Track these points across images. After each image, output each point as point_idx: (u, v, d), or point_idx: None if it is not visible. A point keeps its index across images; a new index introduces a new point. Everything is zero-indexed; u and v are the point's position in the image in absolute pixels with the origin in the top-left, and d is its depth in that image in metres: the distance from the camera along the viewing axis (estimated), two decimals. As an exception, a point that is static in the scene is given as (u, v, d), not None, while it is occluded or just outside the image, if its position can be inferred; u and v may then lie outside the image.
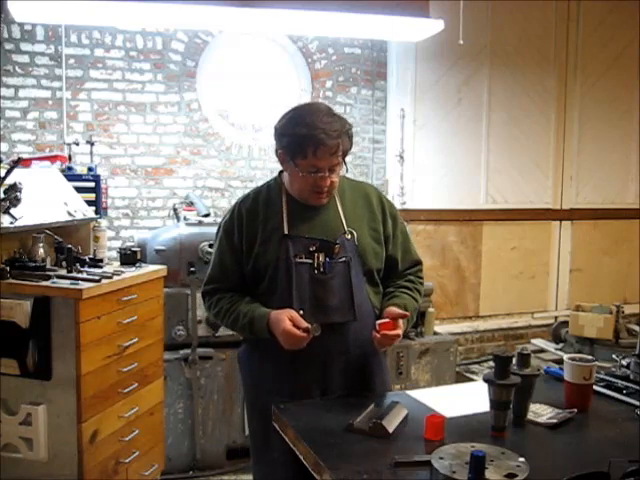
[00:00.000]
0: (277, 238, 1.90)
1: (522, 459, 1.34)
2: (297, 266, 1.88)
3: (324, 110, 1.88)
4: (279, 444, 1.75)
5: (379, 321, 1.83)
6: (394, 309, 1.88)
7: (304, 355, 1.85)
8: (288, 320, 1.78)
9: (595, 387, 1.84)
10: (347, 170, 1.98)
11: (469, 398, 1.81)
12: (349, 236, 1.92)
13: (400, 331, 1.83)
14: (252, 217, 1.96)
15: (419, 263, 2.10)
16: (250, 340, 2.02)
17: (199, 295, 3.25)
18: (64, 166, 3.28)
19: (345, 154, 1.89)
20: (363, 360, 1.95)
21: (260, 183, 3.84)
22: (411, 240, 2.11)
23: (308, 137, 1.81)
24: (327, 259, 1.89)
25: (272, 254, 1.90)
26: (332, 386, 1.91)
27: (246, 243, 1.94)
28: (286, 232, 1.90)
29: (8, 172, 2.57)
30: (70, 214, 2.84)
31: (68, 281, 2.51)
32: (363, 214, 1.99)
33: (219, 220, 3.46)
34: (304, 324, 1.78)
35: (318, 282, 1.88)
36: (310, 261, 1.89)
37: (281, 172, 2.02)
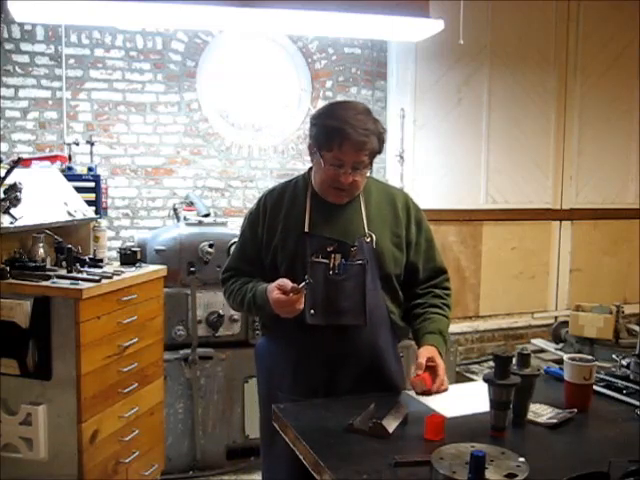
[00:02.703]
0: (296, 235, 1.90)
1: (522, 459, 1.34)
2: (313, 265, 1.87)
3: (360, 109, 1.87)
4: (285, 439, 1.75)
5: (419, 373, 1.75)
6: (437, 363, 1.79)
7: (313, 355, 1.87)
8: (276, 289, 1.78)
9: (595, 387, 1.84)
10: (371, 172, 1.96)
11: (469, 398, 1.81)
12: (368, 239, 1.90)
13: (441, 378, 1.76)
14: (275, 211, 1.96)
15: (443, 272, 2.04)
16: (268, 333, 2.03)
17: (199, 295, 3.29)
18: (64, 166, 3.28)
19: (373, 156, 1.87)
20: (375, 365, 1.93)
21: (260, 183, 3.87)
22: (437, 248, 2.05)
23: (336, 129, 1.80)
24: (343, 260, 1.87)
25: (289, 250, 1.90)
26: (338, 389, 1.89)
27: (266, 236, 1.95)
28: (306, 230, 1.89)
29: (8, 172, 2.57)
30: (70, 214, 2.84)
31: (68, 281, 2.51)
32: (386, 218, 1.96)
33: (219, 220, 3.51)
34: (289, 286, 1.76)
35: (332, 283, 1.87)
36: (326, 261, 1.88)
37: (310, 169, 2.01)
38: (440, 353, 1.84)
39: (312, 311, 1.85)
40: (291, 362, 1.92)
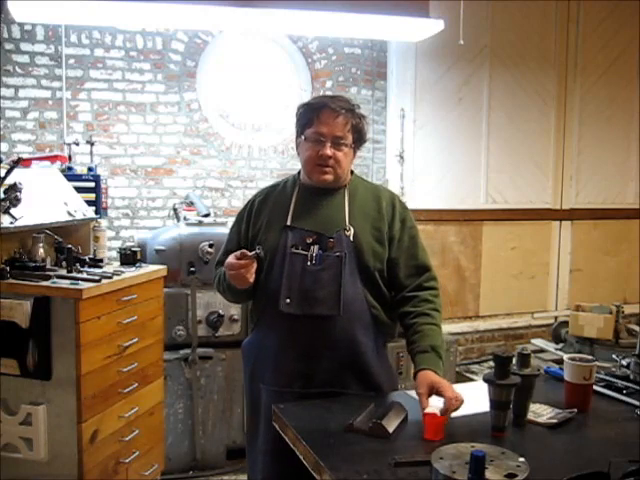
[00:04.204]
0: (279, 228, 1.95)
1: (522, 459, 1.34)
2: (291, 256, 1.91)
3: (338, 95, 2.09)
4: (263, 432, 1.82)
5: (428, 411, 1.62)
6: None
7: (290, 345, 1.90)
8: (232, 256, 1.87)
9: (595, 387, 1.84)
10: (357, 148, 2.01)
11: (469, 398, 1.80)
12: (348, 232, 1.93)
13: (450, 397, 1.64)
14: (262, 208, 2.04)
15: (427, 270, 1.99)
16: (254, 327, 2.07)
17: (199, 295, 3.29)
18: (64, 166, 3.28)
19: (355, 134, 1.95)
20: (353, 359, 1.92)
21: (260, 183, 3.88)
22: (421, 247, 2.03)
23: (315, 104, 1.96)
24: (320, 251, 1.91)
25: (271, 243, 1.94)
26: (315, 380, 1.91)
27: (252, 232, 2.02)
28: (288, 223, 1.95)
29: (8, 172, 2.57)
30: (70, 214, 2.84)
31: (68, 281, 2.51)
32: (369, 213, 1.99)
33: (219, 220, 3.52)
34: (243, 258, 1.84)
35: (309, 273, 1.90)
36: (305, 252, 1.91)
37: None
38: (437, 372, 1.77)
39: (288, 300, 1.88)
40: (271, 352, 1.95)
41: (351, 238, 1.92)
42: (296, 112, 2.01)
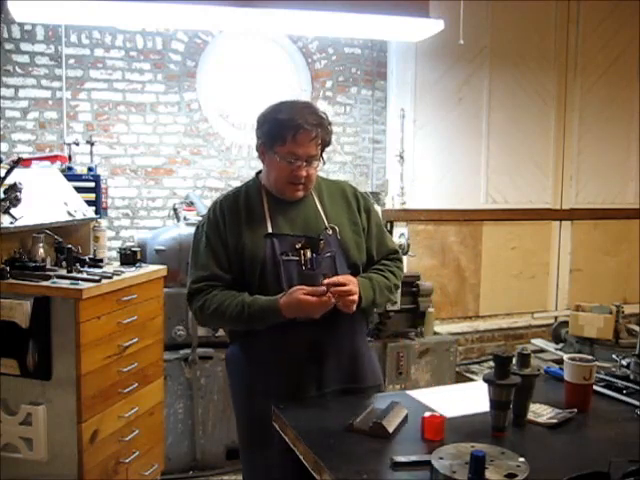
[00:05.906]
0: (261, 236, 1.91)
1: (522, 459, 1.34)
2: (285, 263, 1.89)
3: (305, 103, 2.01)
4: (278, 446, 1.75)
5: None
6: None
7: (297, 351, 1.88)
8: (304, 295, 1.78)
9: (595, 387, 1.83)
10: (324, 163, 2.00)
11: (469, 398, 1.81)
12: (331, 231, 1.94)
13: (347, 288, 1.81)
14: (234, 215, 1.96)
15: (395, 252, 2.12)
16: (240, 341, 2.01)
17: (199, 295, 3.28)
18: (64, 166, 3.28)
19: (324, 147, 1.94)
20: (355, 352, 1.98)
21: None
22: (386, 232, 2.14)
23: (288, 121, 1.86)
24: (314, 255, 1.91)
25: (258, 252, 1.89)
26: (327, 381, 1.92)
27: (231, 240, 1.92)
28: (270, 230, 1.92)
29: (8, 172, 2.57)
30: (70, 214, 2.84)
31: (68, 281, 2.51)
32: (342, 209, 2.02)
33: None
34: (320, 289, 1.78)
35: (307, 278, 1.88)
36: (297, 258, 1.90)
37: (258, 173, 2.05)
38: (361, 289, 1.87)
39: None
40: (280, 364, 1.90)
41: (338, 236, 1.94)
42: (260, 120, 1.93)
